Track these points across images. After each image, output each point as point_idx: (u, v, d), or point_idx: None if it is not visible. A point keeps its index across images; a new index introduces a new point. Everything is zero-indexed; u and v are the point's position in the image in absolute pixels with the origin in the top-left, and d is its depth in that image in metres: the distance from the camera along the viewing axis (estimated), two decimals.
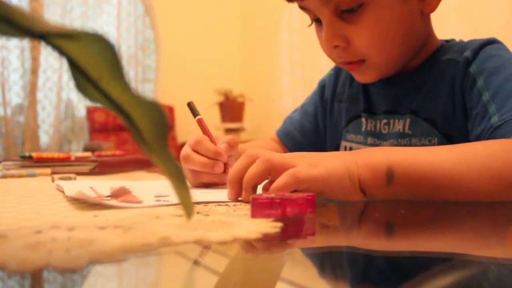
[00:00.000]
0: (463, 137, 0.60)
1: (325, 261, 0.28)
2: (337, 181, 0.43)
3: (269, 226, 0.32)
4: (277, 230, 0.31)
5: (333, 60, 0.66)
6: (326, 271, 0.26)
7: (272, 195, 0.37)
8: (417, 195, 0.45)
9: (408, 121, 0.64)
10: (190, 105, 0.63)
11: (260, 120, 3.48)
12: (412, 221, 0.39)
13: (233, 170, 0.45)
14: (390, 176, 0.44)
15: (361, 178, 0.44)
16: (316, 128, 0.81)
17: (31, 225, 0.32)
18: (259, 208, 0.36)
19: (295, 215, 0.36)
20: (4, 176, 0.74)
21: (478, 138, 0.56)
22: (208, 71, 3.67)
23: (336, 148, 0.77)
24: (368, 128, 0.71)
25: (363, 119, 0.71)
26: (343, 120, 0.76)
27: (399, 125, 0.66)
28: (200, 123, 0.62)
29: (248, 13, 3.83)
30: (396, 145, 0.65)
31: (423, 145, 0.63)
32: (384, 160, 0.44)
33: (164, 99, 3.36)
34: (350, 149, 0.73)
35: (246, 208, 0.40)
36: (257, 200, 0.36)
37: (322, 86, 0.82)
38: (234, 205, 0.42)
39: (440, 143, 0.61)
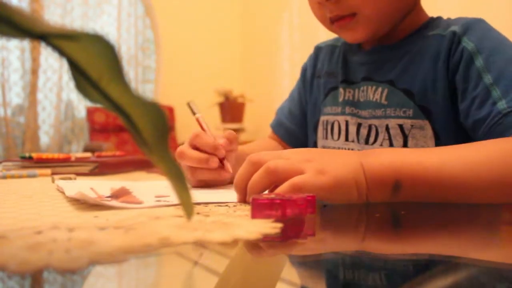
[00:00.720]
0: (441, 111, 0.60)
1: (325, 262, 0.28)
2: (344, 191, 0.42)
3: (269, 226, 0.32)
4: (277, 230, 0.31)
5: (323, 19, 0.65)
6: (325, 272, 0.26)
7: (273, 195, 0.37)
8: (423, 200, 0.44)
9: (386, 91, 0.64)
10: (189, 104, 0.63)
11: (260, 120, 3.48)
12: (413, 222, 0.39)
13: (238, 176, 0.44)
14: (397, 187, 0.43)
15: (369, 189, 0.43)
16: (302, 112, 0.81)
17: (31, 225, 0.32)
18: (259, 209, 0.36)
19: (295, 215, 0.36)
20: (4, 177, 0.74)
21: (480, 122, 0.54)
22: (208, 72, 3.67)
23: (316, 125, 0.77)
24: (346, 98, 0.70)
25: (341, 89, 0.71)
26: (321, 95, 0.76)
27: (373, 93, 0.66)
28: (199, 121, 0.62)
29: (248, 13, 3.84)
30: (373, 115, 0.65)
31: (397, 116, 0.62)
32: (391, 171, 0.43)
33: (164, 100, 3.36)
34: (326, 122, 0.73)
35: (246, 209, 0.40)
36: (257, 201, 0.36)
37: (304, 70, 0.83)
38: (234, 206, 0.42)
39: (415, 114, 0.61)
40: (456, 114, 0.59)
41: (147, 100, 0.22)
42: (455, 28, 0.60)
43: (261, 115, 3.51)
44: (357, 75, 0.70)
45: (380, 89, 0.65)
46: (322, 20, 0.66)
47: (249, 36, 3.83)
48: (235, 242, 0.28)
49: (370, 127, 0.66)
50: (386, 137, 0.64)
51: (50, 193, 0.53)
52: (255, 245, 0.29)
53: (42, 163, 0.85)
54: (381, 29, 0.64)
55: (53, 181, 0.66)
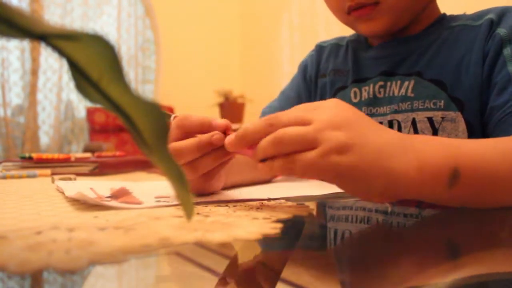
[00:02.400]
0: (475, 103, 0.57)
1: (325, 261, 0.28)
2: (365, 179, 0.34)
3: (269, 227, 0.32)
4: (277, 231, 0.31)
5: (338, 8, 0.62)
6: (326, 272, 0.26)
7: None
8: (479, 200, 0.38)
9: (412, 83, 0.62)
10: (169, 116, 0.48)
11: None
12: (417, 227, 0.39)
13: (251, 127, 0.38)
14: (455, 177, 0.35)
15: (415, 181, 0.35)
16: None
17: (31, 226, 0.32)
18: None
19: None
20: (4, 177, 0.74)
21: (496, 109, 0.53)
22: (208, 72, 3.67)
23: None
24: (362, 98, 0.67)
25: (355, 89, 0.68)
26: (327, 94, 0.73)
27: (398, 88, 0.63)
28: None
29: (248, 13, 3.84)
30: (394, 110, 0.62)
31: (426, 108, 0.59)
32: (449, 156, 0.36)
33: (164, 100, 3.36)
34: None
35: (246, 209, 0.40)
36: None
37: (304, 67, 0.79)
38: (234, 206, 0.42)
39: (447, 106, 0.58)
40: (484, 103, 0.57)
41: (147, 100, 0.22)
42: (492, 16, 0.58)
43: None
44: (371, 71, 0.67)
45: (406, 83, 0.62)
46: (337, 9, 0.63)
47: (249, 36, 3.83)
48: (235, 242, 0.28)
49: (391, 123, 0.63)
50: (412, 132, 0.61)
51: (50, 193, 0.53)
52: (255, 246, 0.29)
53: (42, 163, 0.85)
54: (401, 21, 0.62)
55: (53, 181, 0.66)
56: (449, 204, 0.38)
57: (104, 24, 3.53)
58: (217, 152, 0.43)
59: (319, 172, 0.34)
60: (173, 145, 0.43)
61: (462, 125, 0.58)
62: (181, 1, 3.68)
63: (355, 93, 0.68)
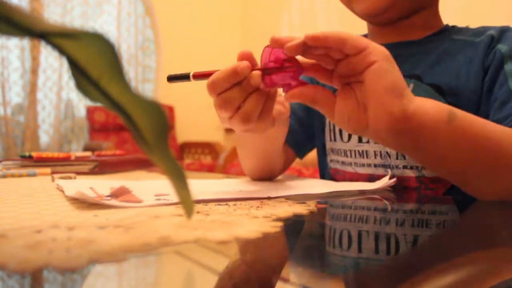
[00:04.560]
0: (471, 111, 0.59)
1: (326, 261, 0.28)
2: (389, 95, 0.43)
3: (269, 225, 0.32)
4: (278, 229, 0.31)
5: None
6: (326, 271, 0.26)
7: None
8: (473, 149, 0.45)
9: (411, 86, 0.63)
10: (171, 78, 0.53)
11: None
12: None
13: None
14: (452, 116, 0.44)
15: (420, 105, 0.44)
16: (308, 113, 0.78)
17: (31, 224, 0.32)
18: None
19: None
20: (4, 176, 0.74)
21: (497, 123, 0.54)
22: None
23: (323, 127, 0.76)
24: None
25: None
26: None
27: None
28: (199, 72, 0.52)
29: (248, 13, 3.84)
30: None
31: None
32: (441, 104, 0.45)
33: (164, 99, 3.36)
34: (334, 124, 0.71)
35: (246, 208, 0.40)
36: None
37: None
38: (234, 205, 0.42)
39: None
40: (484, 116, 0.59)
41: (147, 99, 0.22)
42: (492, 32, 0.61)
43: None
44: None
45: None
46: None
47: (249, 36, 3.83)
48: (235, 241, 0.28)
49: None
50: None
51: (50, 192, 0.53)
52: (255, 244, 0.29)
53: (42, 162, 0.85)
54: (397, 6, 0.63)
55: (53, 180, 0.66)
56: (446, 144, 0.45)
57: (104, 23, 3.53)
58: (246, 87, 0.46)
59: (381, 73, 0.44)
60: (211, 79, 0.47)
61: None
62: (181, 0, 3.68)
63: None
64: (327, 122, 0.74)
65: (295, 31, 3.28)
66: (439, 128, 0.44)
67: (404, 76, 0.64)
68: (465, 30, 0.66)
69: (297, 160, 0.81)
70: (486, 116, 0.57)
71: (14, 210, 0.40)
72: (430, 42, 0.66)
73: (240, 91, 0.46)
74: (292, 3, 3.30)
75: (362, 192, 0.53)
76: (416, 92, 0.62)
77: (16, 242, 0.26)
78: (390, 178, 0.57)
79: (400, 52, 0.66)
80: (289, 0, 3.32)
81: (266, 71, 0.45)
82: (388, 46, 0.67)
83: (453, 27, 0.68)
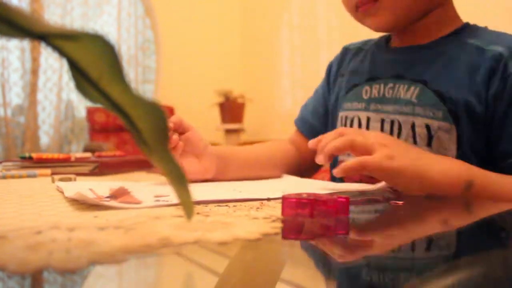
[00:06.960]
0: (469, 121, 0.61)
1: (326, 261, 0.28)
2: (406, 180, 0.50)
3: (269, 226, 0.32)
4: (277, 230, 0.31)
5: (350, 6, 0.67)
6: (326, 272, 0.26)
7: (304, 195, 0.38)
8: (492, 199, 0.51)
9: (417, 90, 0.64)
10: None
11: (260, 121, 3.48)
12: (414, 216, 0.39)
13: (323, 138, 0.54)
14: (469, 184, 0.50)
15: (439, 183, 0.50)
16: (326, 109, 0.82)
17: (31, 225, 0.32)
18: (288, 207, 0.37)
19: (324, 216, 0.37)
20: (4, 177, 0.74)
21: (509, 155, 0.58)
22: (208, 72, 3.67)
23: (334, 121, 0.78)
24: (372, 95, 0.70)
25: (367, 87, 0.72)
26: (342, 91, 0.77)
27: (404, 91, 0.66)
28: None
29: (248, 13, 3.84)
30: (398, 111, 0.66)
31: (426, 116, 0.63)
32: (463, 172, 0.51)
33: (164, 100, 3.35)
34: (346, 118, 0.74)
35: (246, 209, 0.40)
36: (286, 199, 0.37)
37: (329, 67, 0.85)
38: (234, 206, 0.42)
39: (444, 117, 0.61)
40: (483, 128, 0.60)
41: (147, 100, 0.22)
42: (500, 49, 0.60)
43: (261, 115, 3.52)
44: (384, 72, 0.70)
45: (412, 88, 0.65)
46: (349, 7, 0.68)
47: (249, 36, 3.83)
48: (235, 242, 0.28)
49: (392, 122, 0.66)
50: (411, 134, 0.64)
51: (50, 193, 0.53)
52: (255, 245, 0.29)
53: (42, 163, 0.85)
54: (404, 18, 0.65)
55: (53, 181, 0.66)
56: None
57: (104, 24, 3.53)
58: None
59: (380, 170, 0.50)
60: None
61: (454, 138, 0.61)
62: (181, 1, 3.68)
63: (366, 91, 0.72)
64: (340, 115, 0.76)
65: (295, 31, 3.28)
66: (457, 194, 0.51)
67: (412, 80, 0.66)
68: (482, 32, 0.66)
69: None
70: (499, 141, 0.59)
71: (14, 211, 0.40)
72: (440, 45, 0.66)
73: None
74: (292, 3, 3.30)
75: (362, 193, 0.53)
76: (420, 96, 0.64)
77: (16, 243, 0.26)
78: None
79: (410, 56, 0.68)
80: (289, 0, 3.32)
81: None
82: (399, 51, 0.71)
83: (472, 26, 0.68)
